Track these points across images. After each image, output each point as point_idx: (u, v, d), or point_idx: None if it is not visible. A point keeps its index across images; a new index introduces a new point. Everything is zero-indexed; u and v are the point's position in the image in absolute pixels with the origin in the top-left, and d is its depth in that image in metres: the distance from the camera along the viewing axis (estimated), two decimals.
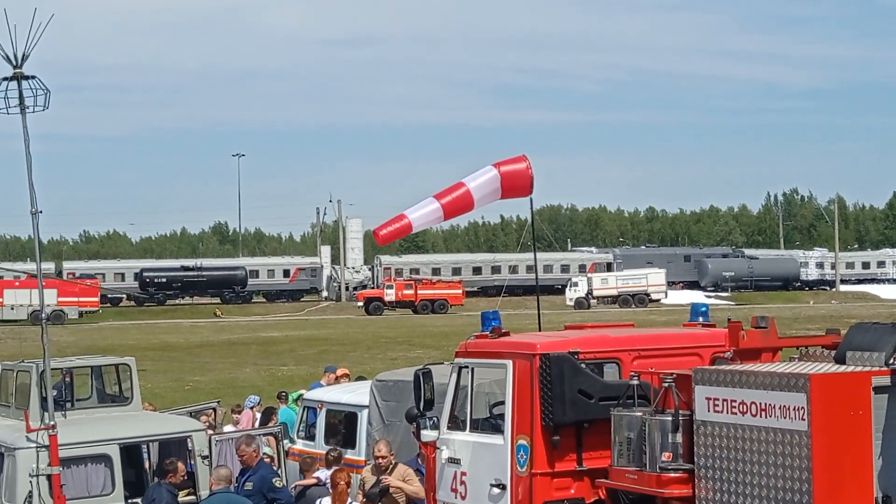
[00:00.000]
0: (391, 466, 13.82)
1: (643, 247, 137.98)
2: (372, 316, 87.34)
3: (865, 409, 9.13)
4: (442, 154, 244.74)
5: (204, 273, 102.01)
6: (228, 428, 19.08)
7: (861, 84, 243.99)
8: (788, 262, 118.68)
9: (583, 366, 11.01)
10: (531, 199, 15.14)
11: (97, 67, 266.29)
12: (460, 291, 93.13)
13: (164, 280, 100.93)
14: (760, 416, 9.26)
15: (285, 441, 16.25)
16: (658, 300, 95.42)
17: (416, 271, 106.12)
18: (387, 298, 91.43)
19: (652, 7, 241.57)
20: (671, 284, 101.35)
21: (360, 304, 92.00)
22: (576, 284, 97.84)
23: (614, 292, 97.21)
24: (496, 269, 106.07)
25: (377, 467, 13.76)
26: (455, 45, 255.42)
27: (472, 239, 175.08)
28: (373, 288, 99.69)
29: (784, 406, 9.09)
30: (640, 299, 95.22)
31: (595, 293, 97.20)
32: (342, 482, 13.33)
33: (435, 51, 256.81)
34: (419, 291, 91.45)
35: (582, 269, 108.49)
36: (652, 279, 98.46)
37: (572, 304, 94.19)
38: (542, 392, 10.87)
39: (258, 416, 20.16)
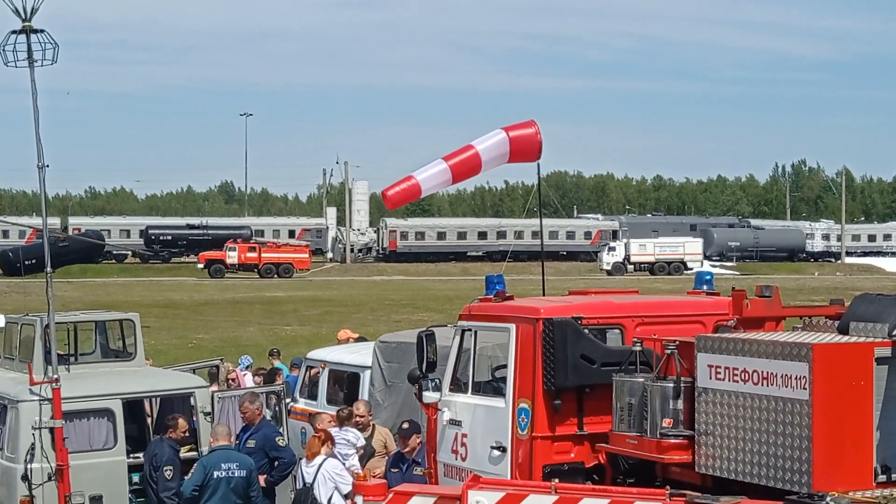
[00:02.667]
0: (370, 427, 14.28)
1: (649, 215, 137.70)
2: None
3: (867, 379, 9.14)
4: (450, 118, 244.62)
5: (209, 231, 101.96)
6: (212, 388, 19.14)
7: (871, 57, 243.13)
8: (794, 233, 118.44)
9: (586, 331, 11.03)
10: (538, 165, 15.12)
11: (107, 24, 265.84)
12: (307, 255, 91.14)
13: (169, 238, 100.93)
14: (762, 385, 9.28)
15: (287, 400, 16.30)
16: (692, 269, 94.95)
17: (422, 235, 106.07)
18: (229, 261, 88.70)
19: None
20: None
21: (202, 265, 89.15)
22: (613, 249, 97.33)
23: (651, 259, 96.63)
24: (501, 235, 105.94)
25: (355, 426, 14.20)
26: (466, 10, 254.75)
27: (479, 204, 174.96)
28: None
29: (786, 375, 9.10)
30: (676, 267, 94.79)
31: (633, 259, 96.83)
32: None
33: (446, 15, 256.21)
34: (263, 255, 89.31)
35: (587, 235, 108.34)
36: (689, 248, 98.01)
37: (608, 268, 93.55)
38: (545, 356, 10.90)
39: (249, 375, 20.25)
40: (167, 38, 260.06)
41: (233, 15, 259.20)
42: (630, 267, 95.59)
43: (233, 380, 19.71)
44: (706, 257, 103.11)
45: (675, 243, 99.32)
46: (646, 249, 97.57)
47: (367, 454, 14.00)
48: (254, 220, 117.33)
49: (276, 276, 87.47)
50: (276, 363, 21.49)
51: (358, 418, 14.26)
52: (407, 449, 13.08)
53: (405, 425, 13.22)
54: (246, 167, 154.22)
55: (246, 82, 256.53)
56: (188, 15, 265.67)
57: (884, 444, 9.16)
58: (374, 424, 14.49)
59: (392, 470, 13.14)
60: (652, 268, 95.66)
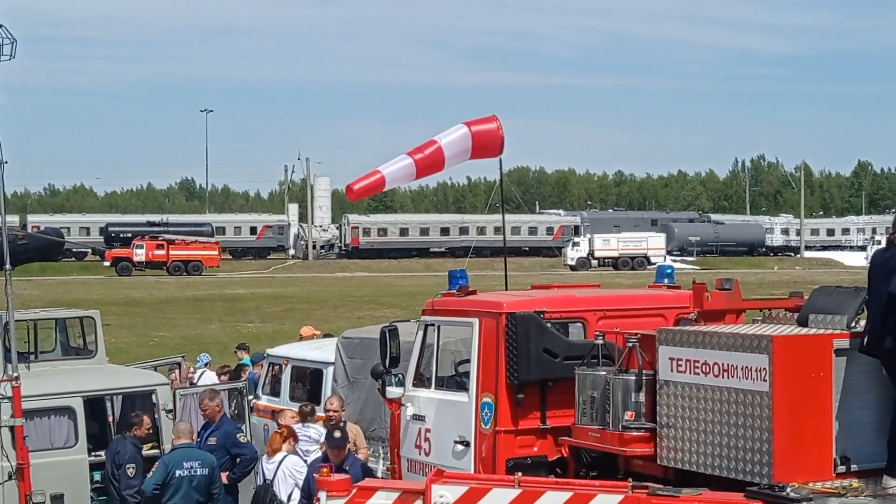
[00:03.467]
0: (342, 423, 14.12)
1: (611, 210, 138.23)
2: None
3: (826, 371, 9.20)
4: (413, 114, 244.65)
5: (170, 228, 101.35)
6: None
7: (830, 53, 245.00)
8: (754, 227, 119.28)
9: (548, 325, 11.06)
10: (500, 160, 15.14)
11: (67, 20, 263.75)
12: (216, 252, 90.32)
13: (129, 235, 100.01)
14: (722, 377, 9.34)
15: (250, 397, 16.26)
16: (655, 264, 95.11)
17: (384, 231, 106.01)
18: (136, 259, 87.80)
19: None
20: None
21: (108, 263, 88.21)
22: (577, 244, 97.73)
23: (615, 254, 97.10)
24: (464, 230, 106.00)
25: (328, 420, 14.04)
26: (428, 6, 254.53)
27: (441, 200, 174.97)
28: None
29: (746, 367, 9.16)
30: (640, 262, 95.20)
31: (596, 254, 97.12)
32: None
33: (409, 11, 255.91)
34: (171, 252, 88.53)
35: (549, 231, 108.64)
36: (652, 242, 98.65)
37: (573, 263, 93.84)
38: (508, 350, 10.92)
39: (208, 373, 20.16)
40: (127, 34, 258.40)
41: (193, 10, 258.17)
42: (594, 262, 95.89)
43: (188, 378, 19.63)
44: (667, 252, 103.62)
45: (638, 238, 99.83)
46: (609, 244, 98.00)
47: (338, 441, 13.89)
48: (215, 216, 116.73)
49: (185, 273, 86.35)
50: (245, 358, 21.35)
51: (331, 413, 14.10)
52: (338, 459, 12.14)
53: (336, 434, 12.40)
54: (207, 164, 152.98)
55: (207, 78, 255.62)
56: (148, 11, 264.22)
57: (843, 435, 9.23)
58: (344, 420, 14.40)
59: (316, 476, 12.05)
60: (616, 262, 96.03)
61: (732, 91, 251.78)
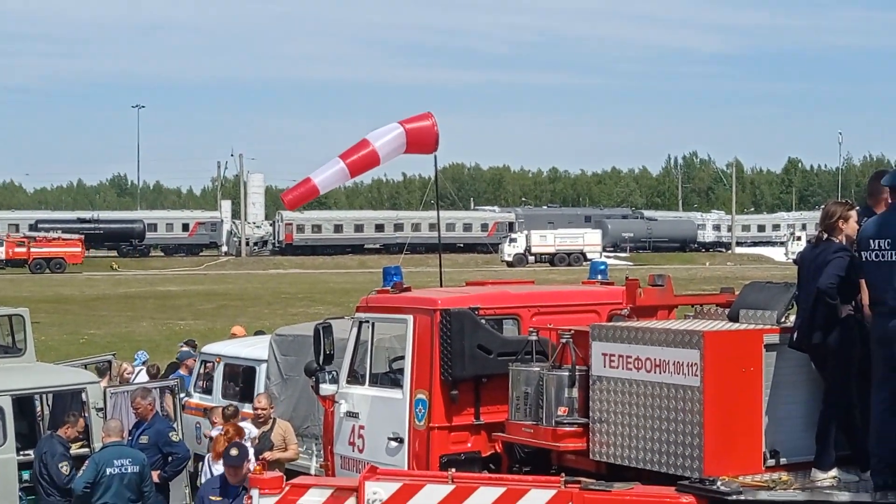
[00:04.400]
0: (270, 420, 14.13)
1: (545, 207, 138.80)
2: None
3: (757, 366, 9.30)
4: (347, 111, 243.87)
5: (101, 226, 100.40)
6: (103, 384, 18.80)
7: (761, 51, 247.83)
8: (686, 223, 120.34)
9: (482, 321, 11.08)
10: (435, 157, 15.15)
11: None
12: (79, 249, 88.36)
13: (59, 231, 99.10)
14: (655, 372, 9.40)
15: (181, 395, 16.13)
16: (592, 260, 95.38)
17: (319, 228, 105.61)
18: None
19: None
20: None
21: None
22: (514, 240, 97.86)
23: (552, 250, 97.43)
24: (399, 227, 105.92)
25: (256, 419, 14.06)
26: (362, 3, 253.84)
27: (376, 196, 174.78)
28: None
29: (678, 362, 9.23)
30: (576, 258, 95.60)
31: (533, 250, 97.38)
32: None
33: (342, 7, 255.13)
34: (32, 249, 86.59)
35: (484, 228, 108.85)
36: (589, 239, 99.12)
37: (510, 259, 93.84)
38: (442, 347, 10.92)
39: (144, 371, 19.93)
40: (54, 29, 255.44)
41: (122, 5, 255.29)
42: (531, 258, 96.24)
43: (127, 377, 19.41)
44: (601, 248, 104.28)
45: (574, 235, 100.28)
46: (546, 241, 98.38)
47: (265, 447, 13.90)
48: (146, 213, 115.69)
49: (47, 270, 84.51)
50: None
51: (259, 411, 14.10)
52: (236, 479, 11.80)
53: (234, 451, 11.93)
54: (138, 160, 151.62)
55: (139, 75, 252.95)
56: (76, 6, 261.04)
57: (772, 429, 9.33)
58: (274, 418, 14.39)
59: (212, 498, 11.90)
60: (552, 259, 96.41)
61: (665, 89, 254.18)
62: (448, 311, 10.96)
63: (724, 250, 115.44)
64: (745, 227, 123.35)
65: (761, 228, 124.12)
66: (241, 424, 14.08)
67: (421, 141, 15.00)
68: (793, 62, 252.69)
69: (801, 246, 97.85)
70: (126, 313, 49.34)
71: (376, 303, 12.03)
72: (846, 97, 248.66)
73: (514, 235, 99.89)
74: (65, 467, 13.23)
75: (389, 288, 12.16)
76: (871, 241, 8.95)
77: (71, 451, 13.63)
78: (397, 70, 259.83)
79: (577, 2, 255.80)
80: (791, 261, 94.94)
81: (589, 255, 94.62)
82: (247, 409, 15.80)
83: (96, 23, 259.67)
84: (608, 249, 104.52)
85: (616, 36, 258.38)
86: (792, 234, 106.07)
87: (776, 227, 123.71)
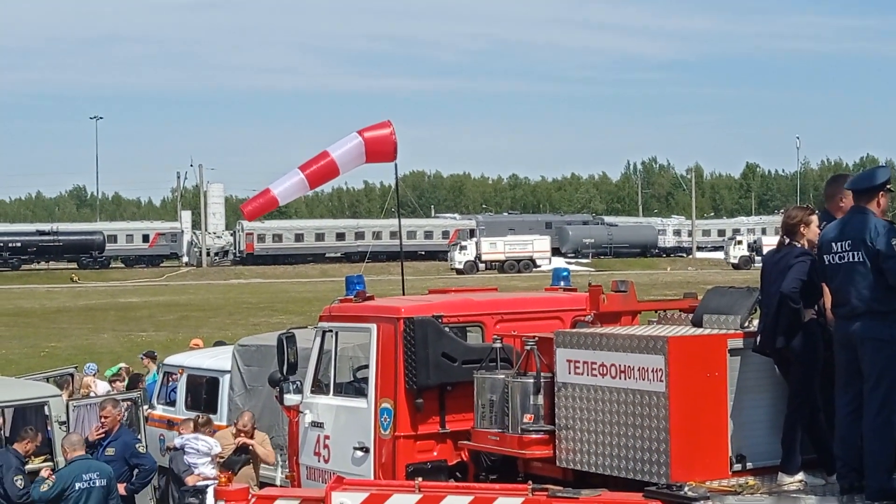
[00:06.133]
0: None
1: (506, 213, 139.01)
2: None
3: (721, 370, 9.32)
4: (304, 120, 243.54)
5: (60, 238, 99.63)
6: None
7: (718, 56, 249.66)
8: (646, 229, 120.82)
9: (446, 329, 11.05)
10: (395, 165, 15.14)
11: None
12: None
13: (18, 244, 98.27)
14: (620, 378, 9.40)
15: (144, 406, 16.02)
16: (540, 266, 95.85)
17: (279, 237, 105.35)
18: None
19: None
20: None
21: None
22: (465, 248, 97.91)
23: (502, 257, 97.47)
24: (360, 235, 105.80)
25: (239, 435, 14.01)
26: (315, 12, 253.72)
27: (336, 205, 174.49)
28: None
29: (643, 368, 9.23)
30: (526, 265, 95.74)
31: (483, 257, 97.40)
32: None
33: (295, 17, 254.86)
34: None
35: (445, 235, 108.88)
36: (538, 245, 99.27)
37: (460, 266, 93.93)
38: (406, 355, 10.89)
39: (101, 383, 19.76)
40: (7, 41, 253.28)
41: (75, 17, 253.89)
42: (481, 265, 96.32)
43: (87, 388, 19.23)
44: (561, 254, 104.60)
45: (524, 241, 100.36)
46: (496, 248, 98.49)
47: (242, 461, 13.83)
48: (106, 224, 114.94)
49: None
50: (153, 369, 20.66)
51: (242, 430, 14.03)
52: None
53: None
54: (97, 171, 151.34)
55: (95, 85, 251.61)
56: (30, 18, 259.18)
57: (738, 434, 9.35)
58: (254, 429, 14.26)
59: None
60: (502, 266, 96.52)
61: (622, 95, 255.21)
62: (412, 319, 10.94)
63: (684, 255, 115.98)
64: (706, 232, 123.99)
65: (721, 233, 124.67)
66: (200, 440, 13.98)
67: (380, 150, 14.99)
68: (746, 68, 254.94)
69: (742, 250, 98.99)
70: (87, 325, 48.99)
71: (339, 312, 11.98)
72: (802, 102, 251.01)
73: (464, 243, 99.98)
74: (19, 481, 13.09)
75: (352, 297, 12.11)
76: (833, 244, 9.00)
77: (29, 466, 13.50)
78: (351, 79, 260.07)
79: (527, 9, 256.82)
80: (731, 265, 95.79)
81: (538, 262, 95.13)
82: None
83: (47, 35, 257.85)
84: (569, 255, 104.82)
85: (568, 43, 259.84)
86: (733, 238, 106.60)
87: (736, 231, 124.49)
